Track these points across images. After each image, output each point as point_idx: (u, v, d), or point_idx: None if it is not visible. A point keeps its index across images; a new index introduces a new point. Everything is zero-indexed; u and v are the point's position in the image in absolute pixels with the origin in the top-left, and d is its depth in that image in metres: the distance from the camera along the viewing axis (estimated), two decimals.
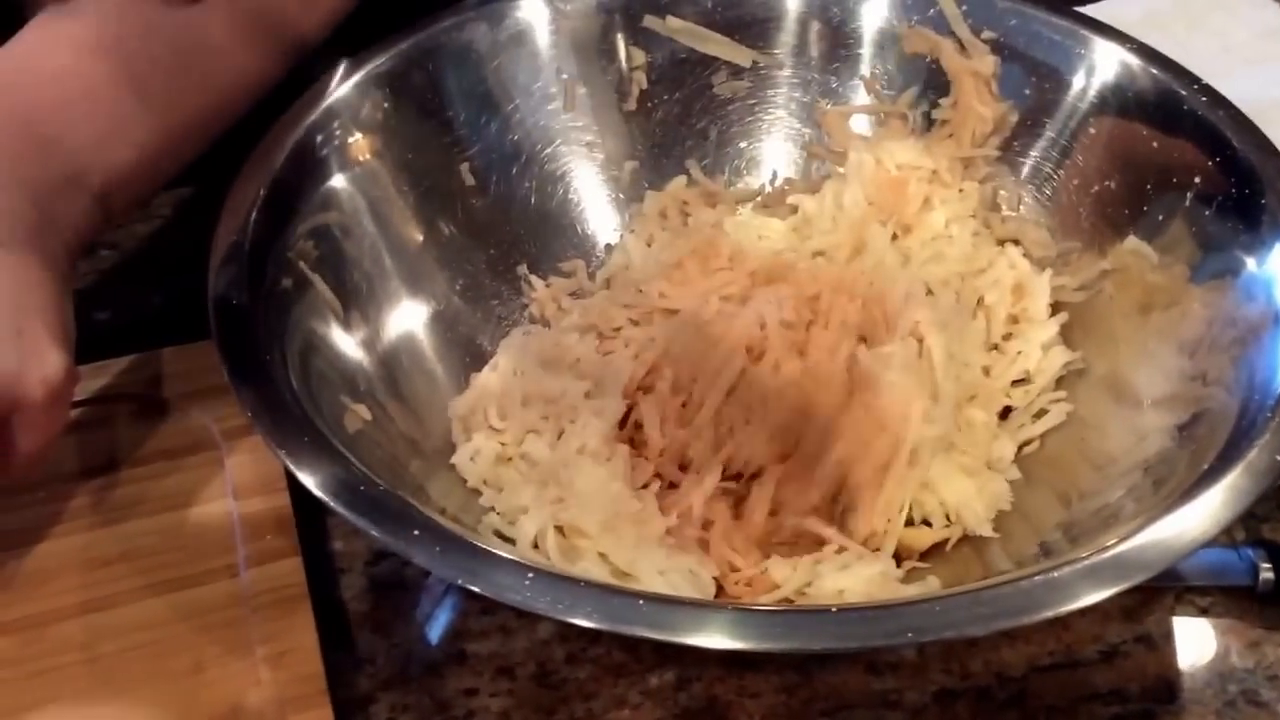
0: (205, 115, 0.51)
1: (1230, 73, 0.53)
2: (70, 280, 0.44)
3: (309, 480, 0.38)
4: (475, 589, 0.35)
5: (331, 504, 0.37)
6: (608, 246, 0.59)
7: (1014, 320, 0.54)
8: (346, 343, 0.48)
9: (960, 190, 0.58)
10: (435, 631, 0.46)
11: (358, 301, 0.49)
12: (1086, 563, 0.36)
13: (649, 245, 0.58)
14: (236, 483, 0.46)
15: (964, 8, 0.59)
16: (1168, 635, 0.47)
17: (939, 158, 0.58)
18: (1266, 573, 0.47)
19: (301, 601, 0.42)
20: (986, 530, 0.47)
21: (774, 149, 0.62)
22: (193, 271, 0.59)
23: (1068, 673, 0.45)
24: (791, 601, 0.43)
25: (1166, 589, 0.48)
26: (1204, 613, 0.48)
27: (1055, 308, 0.54)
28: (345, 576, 0.47)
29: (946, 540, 0.47)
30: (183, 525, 0.45)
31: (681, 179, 0.60)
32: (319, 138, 0.51)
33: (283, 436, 0.39)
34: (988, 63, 0.58)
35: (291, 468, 0.38)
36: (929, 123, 0.60)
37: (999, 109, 0.58)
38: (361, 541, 0.48)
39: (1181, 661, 0.46)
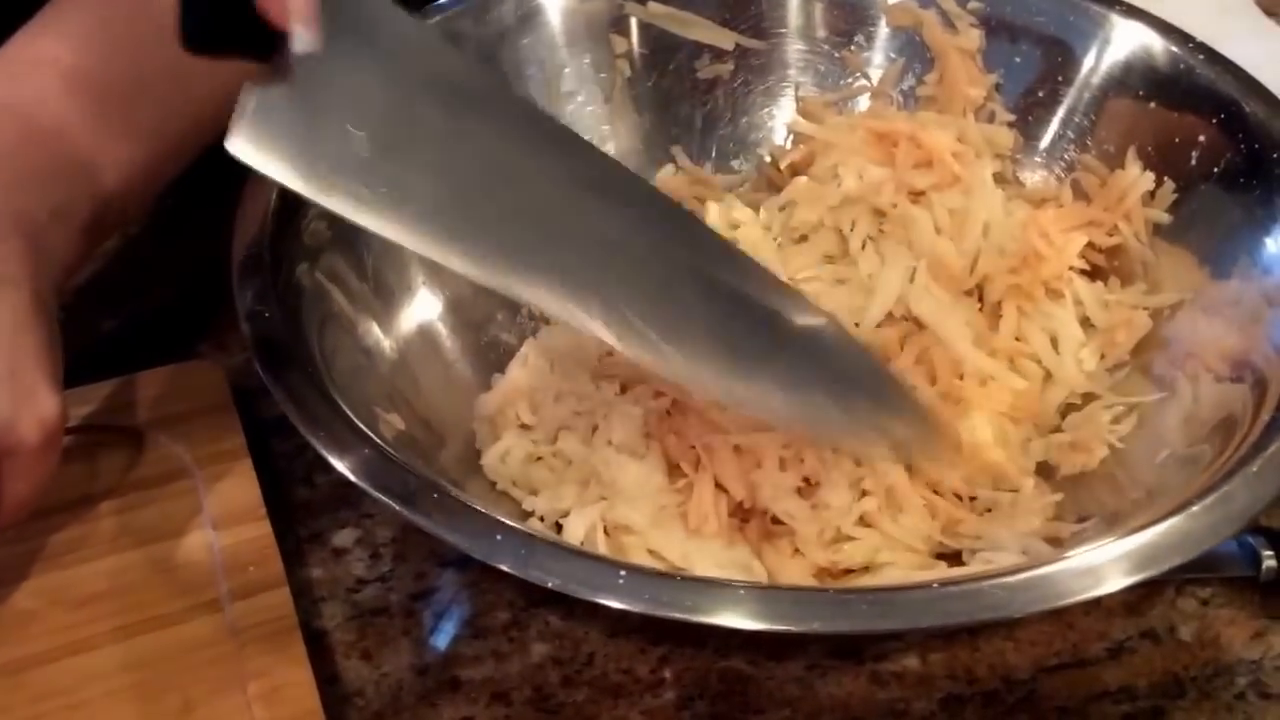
0: (192, 133, 0.49)
1: None
2: (55, 316, 0.42)
3: (390, 498, 0.37)
4: (568, 590, 0.35)
5: (412, 516, 0.37)
6: None
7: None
8: (368, 333, 0.47)
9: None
10: (427, 658, 0.45)
11: (373, 287, 0.49)
12: (1161, 528, 0.37)
13: None
14: (215, 513, 0.45)
15: None
16: (1172, 629, 0.46)
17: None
18: (1269, 560, 0.46)
19: (291, 634, 0.41)
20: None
21: (761, 132, 0.61)
22: (143, 296, 0.59)
23: (1076, 672, 0.45)
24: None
25: (1166, 581, 0.47)
26: (1205, 604, 0.47)
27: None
28: (327, 605, 0.46)
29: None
30: (163, 560, 0.43)
31: (670, 167, 0.59)
32: None
33: (343, 455, 0.38)
34: (973, 37, 0.57)
35: (366, 487, 0.37)
36: (914, 100, 0.59)
37: (986, 83, 0.57)
38: (341, 568, 0.47)
39: (1188, 655, 0.46)
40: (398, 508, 0.36)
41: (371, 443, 0.38)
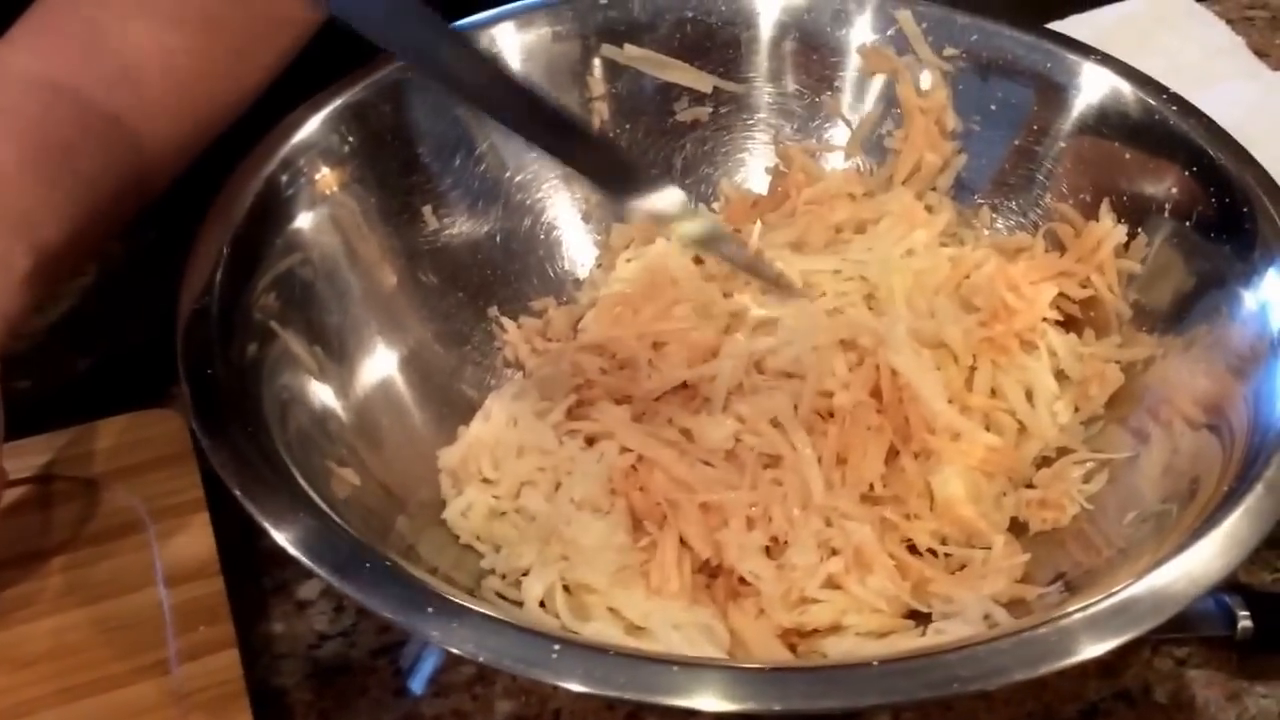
0: (137, 182, 0.48)
1: (1181, 93, 0.51)
2: None
3: (320, 569, 0.36)
4: (499, 665, 0.33)
5: (341, 586, 0.35)
6: (576, 283, 0.57)
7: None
8: (323, 398, 0.46)
9: (929, 208, 0.56)
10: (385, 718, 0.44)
11: (331, 352, 0.47)
12: (1119, 598, 0.36)
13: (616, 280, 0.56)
14: (167, 569, 0.44)
15: (924, 25, 0.58)
16: (1147, 690, 0.45)
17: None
18: (1245, 621, 0.46)
19: (238, 700, 0.40)
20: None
21: (739, 174, 0.60)
22: (121, 334, 0.58)
23: None
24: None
25: (1143, 640, 0.46)
26: (1181, 664, 0.46)
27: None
28: (286, 662, 0.45)
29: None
30: (112, 618, 0.42)
31: None
32: (284, 179, 0.49)
33: (279, 521, 0.37)
34: (939, 97, 0.57)
35: (298, 555, 0.36)
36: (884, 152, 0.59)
37: (945, 151, 0.57)
38: (303, 623, 0.46)
39: (1162, 718, 0.45)
40: (327, 577, 0.35)
41: (311, 506, 0.37)
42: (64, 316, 0.58)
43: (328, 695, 0.44)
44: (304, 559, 0.36)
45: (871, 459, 0.47)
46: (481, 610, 0.34)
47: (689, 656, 0.38)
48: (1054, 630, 0.35)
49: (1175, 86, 0.52)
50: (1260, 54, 0.73)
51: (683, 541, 0.44)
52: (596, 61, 0.58)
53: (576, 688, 0.32)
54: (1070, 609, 0.36)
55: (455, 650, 0.33)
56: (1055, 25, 0.69)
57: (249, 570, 0.47)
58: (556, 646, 0.33)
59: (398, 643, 0.46)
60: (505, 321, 0.54)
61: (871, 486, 0.47)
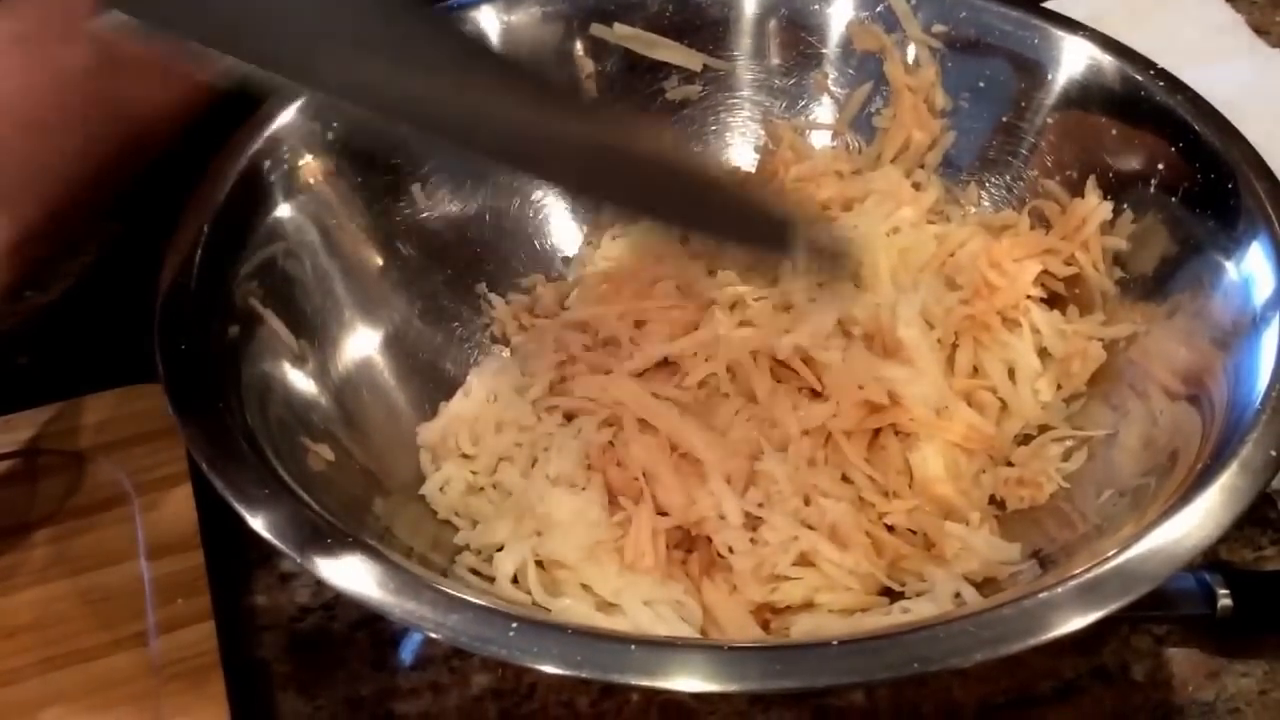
0: (122, 156, 0.48)
1: (1179, 71, 0.51)
2: None
3: (284, 546, 0.36)
4: (457, 643, 0.34)
5: (304, 563, 0.36)
6: (565, 260, 0.57)
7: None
8: (302, 380, 0.46)
9: (917, 186, 0.56)
10: (363, 691, 0.44)
11: (311, 335, 0.48)
12: (1086, 577, 0.35)
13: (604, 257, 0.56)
14: (149, 542, 0.44)
15: (913, 2, 0.57)
16: (1125, 668, 0.45)
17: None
18: (1225, 599, 0.46)
19: (213, 671, 0.41)
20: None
21: (730, 152, 0.60)
22: (122, 311, 0.58)
23: (1022, 711, 0.44)
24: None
25: (1121, 618, 0.46)
26: (1160, 642, 0.46)
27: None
28: (268, 634, 0.45)
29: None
30: (93, 590, 0.43)
31: None
32: (266, 164, 0.49)
33: (246, 497, 0.37)
34: (928, 75, 0.56)
35: (264, 534, 0.36)
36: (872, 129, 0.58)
37: (935, 129, 0.56)
38: (285, 595, 0.47)
39: (1140, 696, 0.45)
40: (290, 553, 0.36)
41: (280, 484, 0.38)
42: (65, 293, 0.59)
43: (307, 667, 0.44)
44: (266, 534, 0.36)
45: (855, 442, 0.47)
46: (440, 587, 0.35)
47: (647, 635, 0.38)
48: (1019, 610, 0.35)
49: (1174, 64, 0.52)
50: (1260, 31, 0.72)
51: (660, 512, 0.45)
52: (586, 41, 0.58)
53: (532, 665, 0.33)
54: (1038, 588, 0.35)
55: (412, 626, 0.34)
56: (1054, 4, 0.69)
57: (234, 543, 0.47)
58: (514, 624, 0.33)
59: (378, 617, 0.46)
60: (493, 298, 0.55)
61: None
